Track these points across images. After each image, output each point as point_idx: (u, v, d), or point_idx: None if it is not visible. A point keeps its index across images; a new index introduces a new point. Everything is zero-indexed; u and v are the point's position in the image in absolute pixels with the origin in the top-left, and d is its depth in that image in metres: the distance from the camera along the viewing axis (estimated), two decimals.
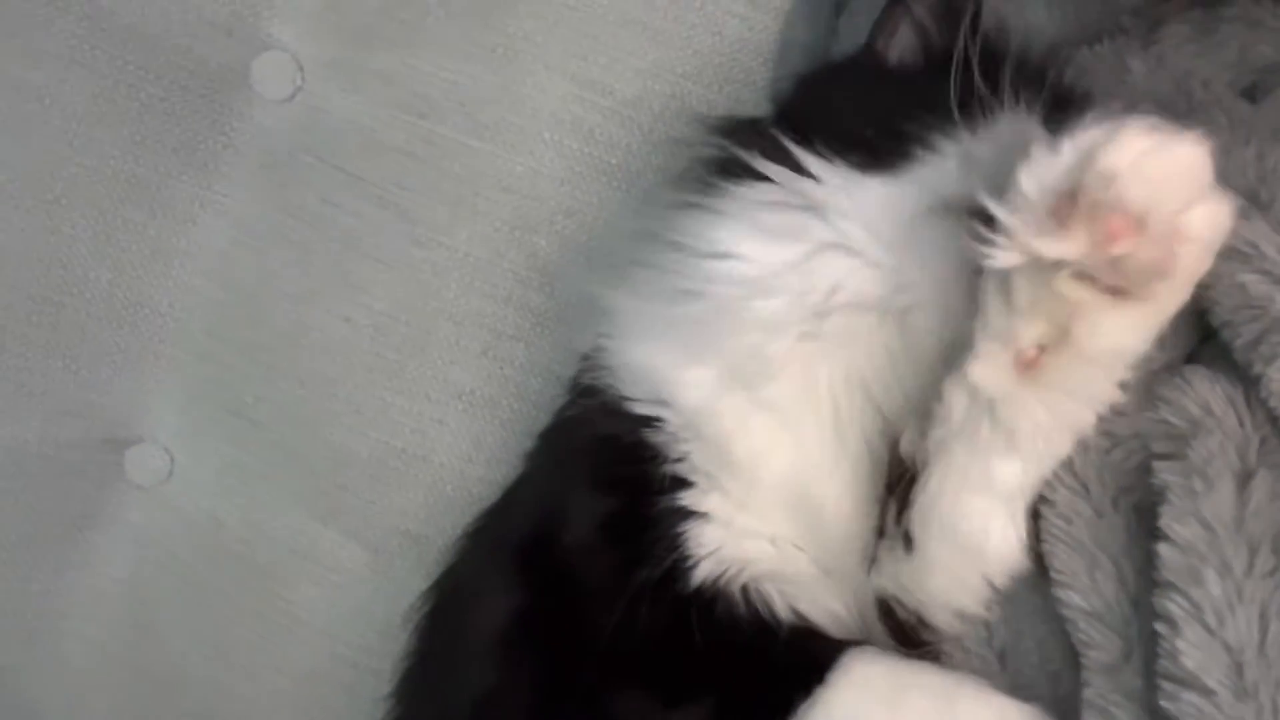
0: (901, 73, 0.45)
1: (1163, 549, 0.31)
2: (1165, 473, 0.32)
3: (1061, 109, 0.40)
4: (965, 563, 0.36)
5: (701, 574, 0.39)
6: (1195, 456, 0.32)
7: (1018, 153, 0.35)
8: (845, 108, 0.43)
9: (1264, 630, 0.29)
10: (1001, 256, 0.32)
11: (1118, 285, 0.31)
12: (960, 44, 0.40)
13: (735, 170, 0.43)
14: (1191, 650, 0.30)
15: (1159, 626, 0.31)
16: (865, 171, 0.41)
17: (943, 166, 0.40)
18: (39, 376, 0.60)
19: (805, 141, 0.42)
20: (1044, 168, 0.31)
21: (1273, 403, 0.32)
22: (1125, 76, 0.40)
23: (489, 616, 0.44)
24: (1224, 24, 0.40)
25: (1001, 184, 0.35)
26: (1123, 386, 0.34)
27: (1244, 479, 0.31)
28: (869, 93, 0.44)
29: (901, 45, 0.45)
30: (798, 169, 0.42)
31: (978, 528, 0.36)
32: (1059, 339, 0.32)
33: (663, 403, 0.43)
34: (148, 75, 0.58)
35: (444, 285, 0.57)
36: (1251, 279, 0.32)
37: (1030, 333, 0.33)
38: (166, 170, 0.59)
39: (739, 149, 0.43)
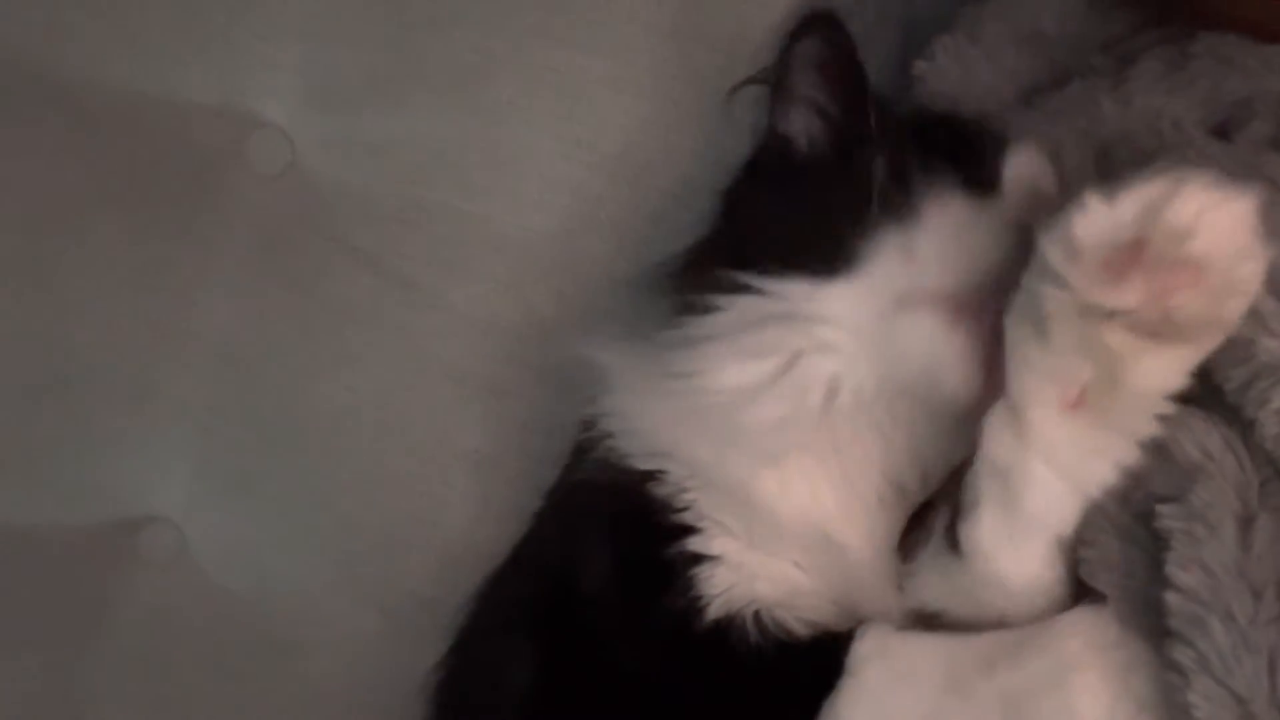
0: (815, 161, 0.46)
1: (1169, 597, 0.31)
2: (1168, 518, 0.32)
3: (977, 161, 0.41)
4: (1008, 600, 0.36)
5: (713, 612, 0.40)
6: (1196, 501, 0.32)
7: (961, 231, 0.38)
8: (776, 219, 0.44)
9: (1273, 678, 0.29)
10: (1054, 303, 0.33)
11: (1162, 331, 0.32)
12: (863, 132, 0.42)
13: (695, 307, 0.44)
14: (1202, 702, 0.30)
15: (1172, 678, 0.31)
16: (821, 278, 0.41)
17: (888, 261, 0.41)
18: (49, 461, 0.61)
19: (750, 264, 0.42)
20: (1101, 220, 0.32)
21: (1269, 446, 0.32)
22: (1098, 117, 0.40)
23: (509, 682, 0.44)
24: (1193, 60, 0.40)
25: (947, 265, 0.38)
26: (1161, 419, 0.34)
27: (1246, 523, 0.31)
28: (791, 196, 0.45)
29: (804, 128, 0.46)
30: (755, 292, 0.42)
31: (1019, 571, 0.36)
32: (1104, 379, 0.33)
33: (665, 455, 0.43)
34: (141, 161, 0.59)
35: (443, 348, 0.58)
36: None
37: (1080, 374, 0.33)
38: (165, 252, 0.59)
39: (689, 292, 0.44)
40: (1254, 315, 0.32)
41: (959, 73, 0.45)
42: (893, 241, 0.41)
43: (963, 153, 0.42)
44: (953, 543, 0.37)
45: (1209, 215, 0.31)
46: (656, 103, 0.56)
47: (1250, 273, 0.32)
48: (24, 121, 0.58)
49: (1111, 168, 0.39)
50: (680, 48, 0.56)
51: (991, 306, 0.38)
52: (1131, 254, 0.31)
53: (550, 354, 0.57)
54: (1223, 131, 0.39)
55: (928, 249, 0.40)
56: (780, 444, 0.42)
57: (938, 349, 0.39)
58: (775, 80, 0.46)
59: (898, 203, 0.41)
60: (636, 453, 0.44)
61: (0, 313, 0.59)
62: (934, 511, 0.40)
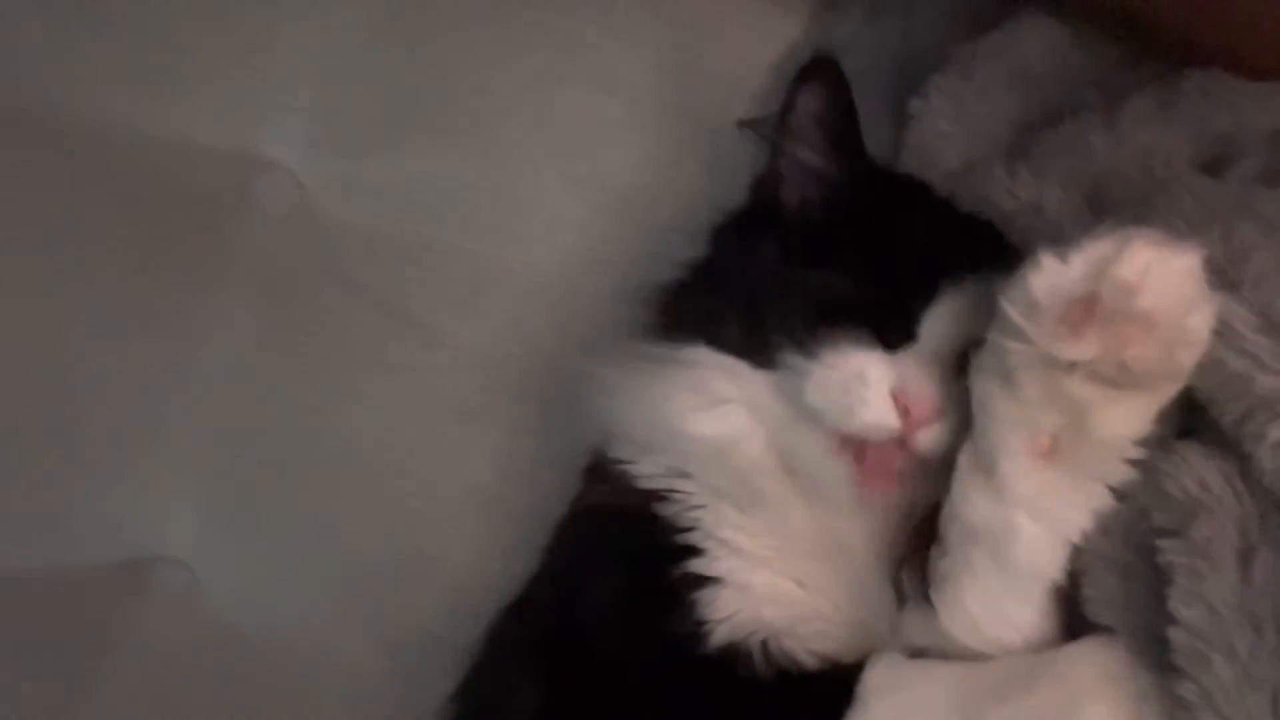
0: (793, 227, 0.47)
1: (1173, 633, 0.31)
2: (1170, 553, 0.32)
3: (901, 308, 0.42)
4: (994, 648, 0.37)
5: (719, 638, 0.40)
6: (1197, 535, 0.32)
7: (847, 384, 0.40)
8: (731, 292, 0.46)
9: (1275, 714, 0.29)
10: (1018, 357, 0.34)
11: (1121, 380, 0.33)
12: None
13: (663, 342, 0.46)
14: None
15: (1177, 715, 0.31)
16: (747, 361, 0.44)
17: (788, 382, 0.43)
18: (57, 500, 0.61)
19: (696, 330, 0.45)
20: (1055, 276, 0.33)
21: (1267, 481, 0.32)
22: (1089, 154, 0.41)
23: (515, 710, 0.44)
24: (1183, 97, 0.41)
25: (830, 413, 0.40)
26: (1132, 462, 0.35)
27: (1246, 557, 0.31)
28: (756, 268, 0.46)
29: (797, 184, 0.47)
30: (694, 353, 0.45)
31: (1002, 623, 0.37)
32: (1072, 427, 0.34)
33: (670, 473, 0.44)
34: (150, 202, 0.59)
35: (451, 385, 0.58)
36: (1229, 356, 0.33)
37: (1048, 423, 0.35)
38: (173, 291, 0.60)
39: (659, 326, 0.47)
40: (1246, 352, 0.32)
41: (952, 110, 0.46)
42: (795, 368, 0.42)
43: (890, 298, 0.43)
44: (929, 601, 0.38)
45: (1154, 271, 0.32)
46: (659, 141, 0.57)
47: (1198, 324, 0.33)
48: (32, 162, 0.59)
49: (1103, 204, 0.40)
50: (683, 87, 0.57)
51: (877, 453, 0.40)
52: (1086, 309, 0.33)
53: (556, 389, 0.57)
54: (1213, 167, 0.39)
55: (813, 396, 0.42)
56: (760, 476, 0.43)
57: (821, 469, 0.42)
58: (777, 124, 0.48)
59: (810, 339, 0.42)
60: (642, 473, 0.45)
61: (7, 354, 0.60)
62: (902, 573, 0.41)
